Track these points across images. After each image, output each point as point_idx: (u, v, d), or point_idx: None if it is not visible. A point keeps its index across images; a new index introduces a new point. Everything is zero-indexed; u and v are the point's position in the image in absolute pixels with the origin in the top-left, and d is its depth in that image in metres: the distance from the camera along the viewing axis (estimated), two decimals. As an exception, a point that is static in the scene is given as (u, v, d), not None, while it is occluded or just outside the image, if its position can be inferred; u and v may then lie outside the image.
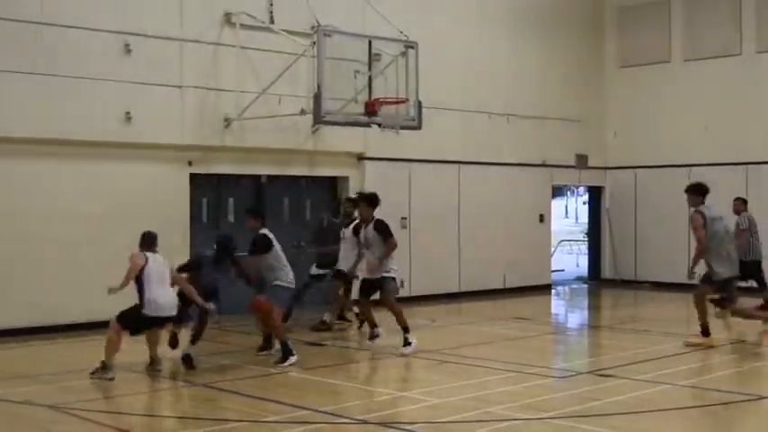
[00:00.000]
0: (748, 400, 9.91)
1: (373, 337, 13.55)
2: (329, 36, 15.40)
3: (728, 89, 22.29)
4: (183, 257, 16.23)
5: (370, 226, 13.29)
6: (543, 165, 22.73)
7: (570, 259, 31.34)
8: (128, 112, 15.75)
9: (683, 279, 18.91)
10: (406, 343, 12.87)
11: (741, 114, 21.98)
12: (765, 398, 10.02)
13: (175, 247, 16.19)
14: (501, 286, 21.17)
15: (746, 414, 9.48)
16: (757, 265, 17.23)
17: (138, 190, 15.97)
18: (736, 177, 21.60)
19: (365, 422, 8.92)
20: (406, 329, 12.95)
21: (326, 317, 15.59)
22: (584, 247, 28.09)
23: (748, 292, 16.81)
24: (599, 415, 9.28)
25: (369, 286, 13.40)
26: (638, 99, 23.84)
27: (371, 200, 13.49)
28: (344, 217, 15.95)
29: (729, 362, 12.38)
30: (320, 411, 9.28)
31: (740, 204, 17.87)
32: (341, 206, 16.36)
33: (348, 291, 15.66)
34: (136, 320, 11.22)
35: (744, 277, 17.14)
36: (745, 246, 17.08)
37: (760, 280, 17.40)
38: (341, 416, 9.18)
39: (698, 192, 13.74)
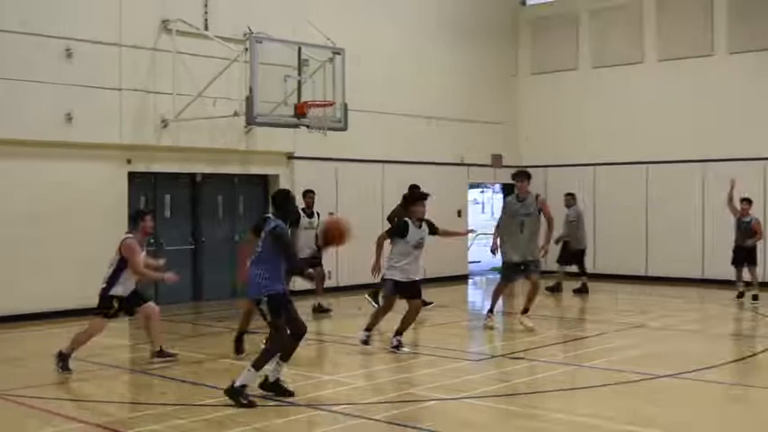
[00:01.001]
0: (645, 379, 10.18)
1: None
2: (260, 42, 15.42)
3: (632, 95, 22.70)
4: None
5: (425, 226, 12.27)
6: (461, 164, 22.94)
7: (486, 251, 31.48)
8: (68, 114, 15.57)
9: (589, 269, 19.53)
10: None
11: (643, 118, 22.39)
12: (660, 377, 10.28)
13: (114, 242, 16.10)
14: (422, 276, 21.24)
15: (642, 391, 9.73)
16: (582, 252, 19.42)
17: (79, 187, 15.81)
18: (637, 176, 22.07)
19: (293, 404, 8.98)
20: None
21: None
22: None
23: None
24: (510, 395, 9.46)
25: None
26: (549, 103, 24.16)
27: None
28: (307, 208, 15.90)
29: (627, 346, 12.63)
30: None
31: (570, 199, 19.63)
32: (305, 197, 16.14)
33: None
34: None
35: (570, 263, 19.34)
36: (573, 236, 19.13)
37: (581, 265, 19.45)
38: (272, 398, 9.21)
39: (529, 177, 14.24)
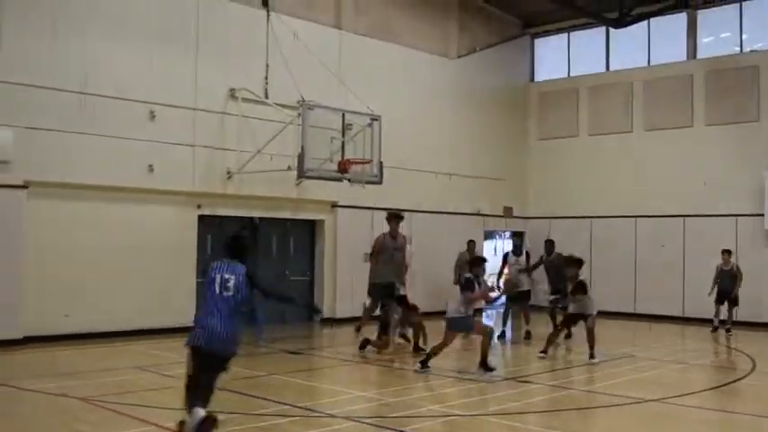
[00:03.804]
0: (634, 403, 9.98)
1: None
2: (311, 109, 15.58)
3: (623, 158, 22.62)
4: (191, 282, 16.23)
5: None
6: (477, 214, 22.87)
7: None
8: (150, 165, 15.75)
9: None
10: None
11: (632, 178, 22.31)
12: (646, 401, 10.08)
13: (185, 273, 16.21)
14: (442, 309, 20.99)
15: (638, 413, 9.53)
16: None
17: (157, 226, 15.94)
18: (626, 227, 21.92)
19: (332, 416, 8.90)
20: None
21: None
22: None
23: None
24: (516, 413, 9.30)
25: None
26: (552, 164, 24.10)
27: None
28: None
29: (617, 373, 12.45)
30: (297, 407, 9.24)
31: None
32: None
33: None
34: None
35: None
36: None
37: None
38: (313, 410, 9.15)
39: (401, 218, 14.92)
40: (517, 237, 17.72)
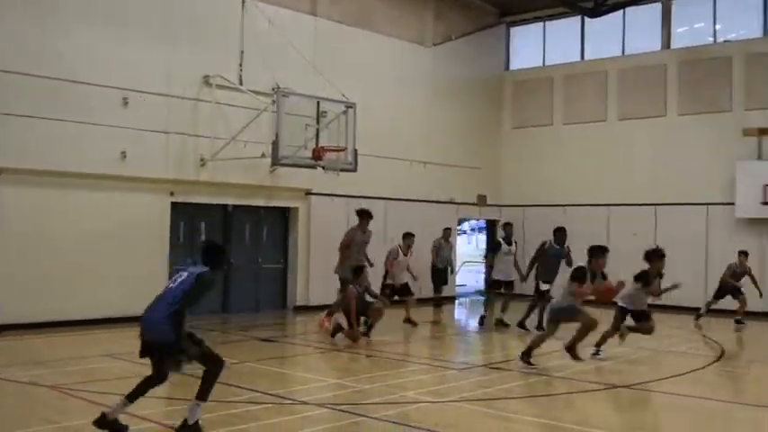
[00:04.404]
0: (604, 389, 10.07)
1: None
2: (286, 96, 15.57)
3: (595, 147, 22.78)
4: (164, 269, 16.16)
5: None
6: (451, 202, 22.94)
7: (471, 276, 31.36)
8: (123, 152, 15.65)
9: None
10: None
11: (605, 167, 22.47)
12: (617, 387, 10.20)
13: (157, 261, 16.14)
14: (418, 296, 21.07)
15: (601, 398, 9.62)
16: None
17: (130, 213, 15.85)
18: (599, 215, 22.08)
19: (305, 403, 8.93)
20: None
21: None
22: (482, 267, 28.19)
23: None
24: (488, 399, 9.39)
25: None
26: (527, 153, 24.20)
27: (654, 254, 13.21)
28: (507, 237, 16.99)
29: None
30: (269, 394, 9.26)
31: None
32: (504, 229, 17.45)
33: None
34: None
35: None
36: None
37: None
38: (286, 397, 9.17)
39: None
40: (509, 226, 17.39)
